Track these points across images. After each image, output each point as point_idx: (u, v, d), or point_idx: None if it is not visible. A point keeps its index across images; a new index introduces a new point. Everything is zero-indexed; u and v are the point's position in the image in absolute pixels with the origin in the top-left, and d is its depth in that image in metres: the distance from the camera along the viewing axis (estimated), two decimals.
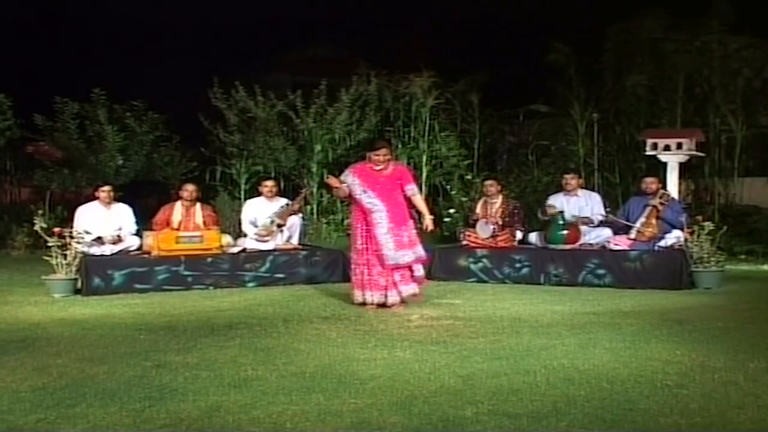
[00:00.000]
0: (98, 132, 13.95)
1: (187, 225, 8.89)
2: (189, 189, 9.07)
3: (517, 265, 8.87)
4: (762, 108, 13.53)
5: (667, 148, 9.65)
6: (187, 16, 20.45)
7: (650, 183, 8.93)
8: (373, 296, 7.00)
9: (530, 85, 14.98)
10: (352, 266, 7.25)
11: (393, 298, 7.01)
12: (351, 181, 7.12)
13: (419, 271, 7.21)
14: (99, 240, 8.71)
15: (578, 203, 9.23)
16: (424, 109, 14.69)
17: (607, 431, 3.50)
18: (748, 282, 8.76)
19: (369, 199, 7.04)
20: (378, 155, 7.12)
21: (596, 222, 9.11)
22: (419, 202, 7.37)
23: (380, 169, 7.13)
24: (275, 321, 6.37)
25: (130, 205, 9.33)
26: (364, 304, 7.02)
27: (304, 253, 9.12)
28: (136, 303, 7.48)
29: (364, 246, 7.05)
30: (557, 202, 9.26)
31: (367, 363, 4.78)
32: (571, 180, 9.34)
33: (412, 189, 7.23)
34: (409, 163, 14.42)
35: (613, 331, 5.76)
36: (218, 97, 14.22)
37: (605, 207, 9.30)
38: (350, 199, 7.28)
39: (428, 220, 7.32)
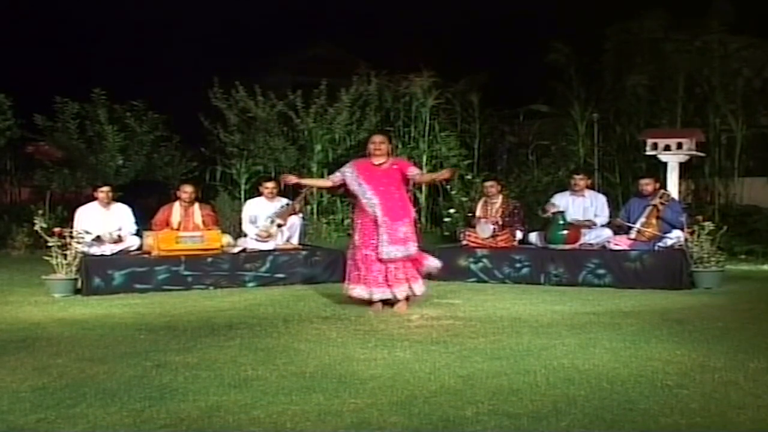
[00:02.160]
0: (98, 132, 13.95)
1: (186, 225, 8.88)
2: (187, 190, 9.06)
3: (517, 265, 8.87)
4: (762, 108, 13.54)
5: (667, 148, 9.65)
6: (188, 17, 20.48)
7: (645, 185, 8.93)
8: (372, 293, 6.96)
9: (530, 85, 15.00)
10: (348, 261, 7.23)
11: (395, 294, 6.95)
12: (350, 173, 7.14)
13: (428, 266, 7.24)
14: (99, 240, 8.71)
15: (583, 203, 9.24)
16: (424, 109, 14.70)
17: (607, 431, 3.50)
18: (748, 282, 8.75)
19: (364, 192, 7.03)
20: (374, 142, 7.15)
21: (598, 225, 9.11)
22: (427, 177, 8.06)
23: (379, 164, 7.12)
24: (275, 321, 6.37)
25: (130, 205, 9.33)
26: (351, 297, 7.01)
27: (304, 253, 9.12)
28: (136, 303, 7.48)
29: (362, 242, 7.03)
30: (563, 201, 9.25)
31: (367, 363, 4.77)
32: (580, 181, 9.34)
33: (414, 171, 7.31)
34: None
35: (613, 331, 5.76)
36: (218, 97, 14.22)
37: (611, 215, 9.29)
38: (353, 198, 7.30)
39: (445, 173, 7.87)
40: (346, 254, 7.42)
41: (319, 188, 7.48)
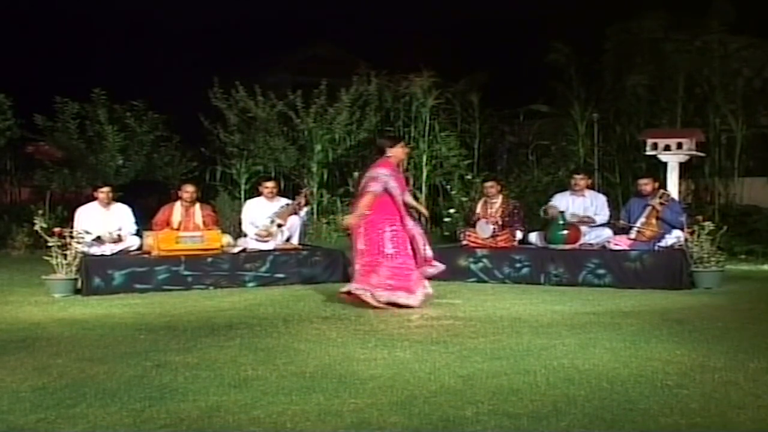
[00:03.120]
0: (98, 132, 13.97)
1: (187, 225, 8.89)
2: (189, 190, 9.07)
3: (517, 265, 8.87)
4: (762, 108, 13.55)
5: (667, 148, 9.64)
6: (188, 16, 20.48)
7: (644, 185, 8.93)
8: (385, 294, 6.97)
9: (530, 85, 15.00)
10: (401, 271, 7.02)
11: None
12: (390, 180, 7.07)
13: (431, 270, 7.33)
14: (99, 240, 8.71)
15: (584, 203, 9.25)
16: (424, 109, 14.70)
17: (607, 431, 3.50)
18: (748, 282, 8.76)
19: (399, 196, 7.13)
20: (404, 147, 7.39)
21: (598, 222, 9.12)
22: (413, 200, 7.72)
23: (400, 171, 7.35)
24: (275, 321, 6.37)
25: (130, 205, 9.33)
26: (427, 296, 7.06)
27: (304, 253, 9.12)
28: (136, 303, 7.48)
29: (397, 249, 7.00)
30: (563, 200, 9.26)
31: (367, 363, 4.77)
32: (580, 180, 9.35)
33: (407, 193, 7.50)
34: (409, 163, 14.45)
35: (613, 331, 5.76)
36: (218, 97, 14.22)
37: (611, 215, 9.29)
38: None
39: (424, 211, 8.12)
40: (348, 256, 7.39)
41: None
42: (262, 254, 8.92)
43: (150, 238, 8.69)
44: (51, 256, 8.06)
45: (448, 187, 14.40)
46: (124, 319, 6.59)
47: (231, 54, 19.55)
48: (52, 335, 5.83)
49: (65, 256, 8.03)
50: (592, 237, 9.02)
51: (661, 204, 8.59)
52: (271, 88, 14.69)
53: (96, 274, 8.20)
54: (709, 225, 8.14)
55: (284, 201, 9.50)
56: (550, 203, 9.31)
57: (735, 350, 5.02)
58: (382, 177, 7.03)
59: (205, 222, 8.99)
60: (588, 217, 9.13)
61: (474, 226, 9.39)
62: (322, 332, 5.85)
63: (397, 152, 7.21)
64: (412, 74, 14.72)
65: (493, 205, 9.41)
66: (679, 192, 10.12)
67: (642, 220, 8.71)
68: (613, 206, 9.95)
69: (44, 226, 8.20)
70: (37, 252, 10.45)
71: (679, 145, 9.61)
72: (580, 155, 13.64)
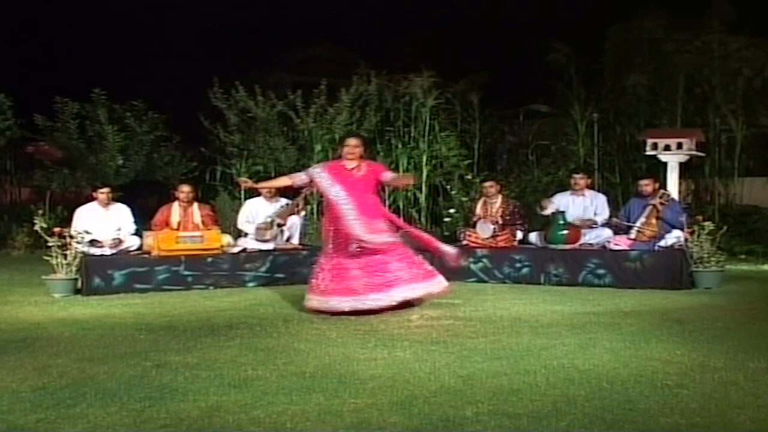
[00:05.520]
0: (98, 132, 13.97)
1: (186, 225, 8.89)
2: (185, 190, 9.06)
3: (517, 265, 8.87)
4: (762, 108, 13.55)
5: (667, 148, 9.65)
6: (188, 16, 20.47)
7: (645, 185, 8.93)
8: (342, 302, 6.60)
9: (530, 85, 14.99)
10: (316, 270, 6.93)
11: (378, 302, 6.63)
12: (318, 174, 6.94)
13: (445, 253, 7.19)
14: (97, 242, 8.70)
15: (584, 203, 9.25)
16: (424, 109, 14.67)
17: (607, 431, 3.50)
18: (748, 282, 8.76)
19: (336, 192, 6.81)
20: (348, 146, 6.98)
21: (600, 224, 9.12)
22: (395, 181, 7.91)
23: (352, 169, 6.94)
24: (275, 321, 6.37)
25: (130, 205, 9.33)
26: (318, 311, 6.65)
27: (304, 253, 9.11)
28: (136, 303, 7.49)
29: (333, 249, 6.82)
30: (563, 200, 9.26)
31: (367, 363, 4.78)
32: (579, 180, 9.35)
33: (387, 176, 7.18)
34: (409, 163, 14.43)
35: (613, 331, 5.76)
36: (218, 97, 14.20)
37: (611, 214, 9.29)
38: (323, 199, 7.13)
39: (407, 178, 8.61)
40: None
41: (278, 188, 8.35)
42: (262, 254, 8.92)
43: (150, 238, 8.69)
44: (51, 256, 8.07)
45: (448, 187, 14.38)
46: (124, 319, 6.59)
47: (231, 54, 19.54)
48: (52, 335, 5.83)
49: (65, 256, 8.04)
50: (592, 237, 9.02)
51: (661, 204, 8.60)
52: (271, 88, 14.66)
53: (96, 274, 8.21)
54: (709, 225, 8.15)
55: (284, 201, 9.50)
56: (548, 199, 9.31)
57: (735, 350, 5.02)
58: (312, 170, 7.13)
59: (204, 221, 9.00)
60: (590, 219, 9.13)
61: (474, 226, 9.40)
62: (322, 332, 5.85)
63: (342, 151, 7.07)
64: (412, 74, 14.69)
65: (492, 205, 9.42)
66: (679, 192, 10.12)
67: (642, 220, 8.71)
68: (613, 206, 9.95)
69: (44, 226, 8.21)
70: (37, 252, 10.46)
71: (679, 145, 9.61)
72: (580, 155, 13.63)
